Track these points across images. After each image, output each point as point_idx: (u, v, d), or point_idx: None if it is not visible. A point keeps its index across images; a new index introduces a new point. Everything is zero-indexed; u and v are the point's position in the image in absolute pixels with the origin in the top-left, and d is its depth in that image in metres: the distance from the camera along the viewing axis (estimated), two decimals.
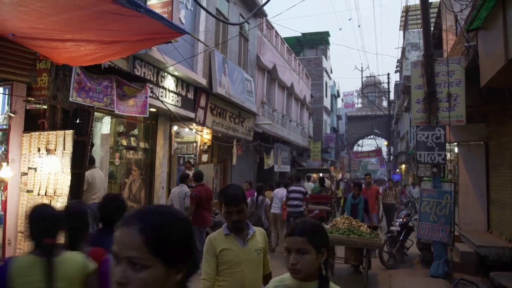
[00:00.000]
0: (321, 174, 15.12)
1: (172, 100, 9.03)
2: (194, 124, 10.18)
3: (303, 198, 9.09)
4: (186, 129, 10.43)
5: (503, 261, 6.60)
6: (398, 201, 12.63)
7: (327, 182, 13.28)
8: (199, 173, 7.81)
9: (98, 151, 7.20)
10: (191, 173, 10.21)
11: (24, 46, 4.53)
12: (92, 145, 6.67)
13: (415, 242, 8.48)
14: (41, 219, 2.15)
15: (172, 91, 9.02)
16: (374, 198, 9.87)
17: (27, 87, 5.32)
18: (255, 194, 9.11)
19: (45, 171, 4.99)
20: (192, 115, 9.88)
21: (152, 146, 9.43)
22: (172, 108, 8.69)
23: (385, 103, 41.40)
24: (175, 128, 10.05)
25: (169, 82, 8.89)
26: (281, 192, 9.56)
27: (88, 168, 6.15)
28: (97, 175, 6.25)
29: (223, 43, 11.93)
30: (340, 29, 25.42)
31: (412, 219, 8.54)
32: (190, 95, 9.91)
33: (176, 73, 8.96)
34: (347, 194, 8.85)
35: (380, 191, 11.79)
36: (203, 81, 10.04)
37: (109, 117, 7.66)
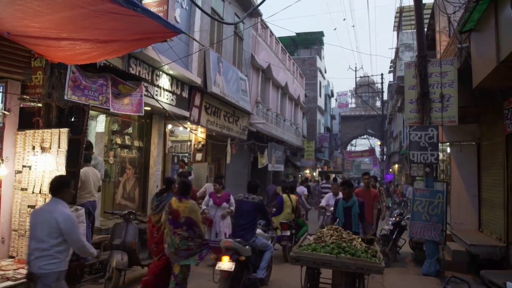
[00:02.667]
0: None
1: (167, 98, 9.02)
2: (188, 123, 10.19)
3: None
4: (181, 128, 10.43)
5: (494, 259, 6.70)
6: (385, 205, 9.86)
7: (339, 180, 16.82)
8: (185, 174, 7.48)
9: (93, 150, 7.18)
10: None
11: (19, 44, 4.51)
12: (90, 144, 6.67)
13: (408, 241, 8.56)
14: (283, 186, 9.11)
15: (167, 90, 9.02)
16: (371, 204, 7.68)
17: (22, 85, 5.30)
18: (230, 197, 7.33)
19: (39, 169, 4.97)
20: (186, 114, 9.88)
21: (146, 145, 9.43)
22: (166, 107, 8.69)
23: (378, 103, 41.64)
24: (169, 126, 10.05)
25: (164, 81, 8.89)
26: (301, 189, 12.30)
27: (83, 166, 6.17)
28: (91, 173, 6.24)
29: (218, 42, 11.93)
30: (335, 29, 25.54)
31: (405, 218, 8.61)
32: (185, 94, 9.91)
33: (171, 72, 8.96)
34: (338, 197, 6.67)
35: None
36: (198, 80, 10.05)
37: (104, 115, 7.65)
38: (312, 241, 4.84)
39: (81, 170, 6.10)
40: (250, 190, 5.87)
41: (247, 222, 5.51)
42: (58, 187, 3.58)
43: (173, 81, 9.31)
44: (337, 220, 6.02)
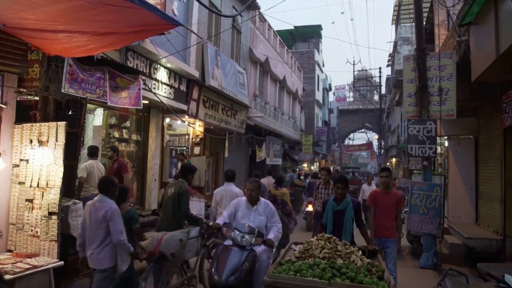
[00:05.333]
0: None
1: (165, 92, 8.98)
2: (186, 117, 10.15)
3: None
4: (179, 122, 10.40)
5: (490, 252, 6.76)
6: None
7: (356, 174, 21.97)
8: (115, 147, 7.54)
9: (91, 143, 7.18)
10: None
11: (15, 37, 4.46)
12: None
13: (405, 234, 8.61)
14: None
15: (164, 83, 8.97)
16: (394, 211, 5.49)
17: (19, 78, 5.24)
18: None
19: (37, 163, 4.95)
20: (184, 107, 9.84)
21: (144, 139, 9.40)
22: (164, 100, 8.65)
23: (376, 97, 41.64)
24: (167, 120, 10.01)
25: (162, 74, 8.84)
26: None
27: (89, 159, 6.39)
28: (96, 167, 6.46)
29: (216, 35, 11.86)
30: (333, 22, 25.38)
31: (402, 211, 8.64)
32: (183, 87, 9.87)
33: (168, 65, 8.91)
34: (328, 198, 5.26)
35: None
36: (196, 73, 10.00)
37: (101, 109, 7.62)
38: (297, 254, 3.66)
39: (87, 164, 6.30)
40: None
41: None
42: (233, 176, 6.22)
43: (171, 75, 9.26)
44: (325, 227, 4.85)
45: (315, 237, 3.97)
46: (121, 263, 4.08)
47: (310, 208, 10.36)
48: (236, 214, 4.55)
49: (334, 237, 3.90)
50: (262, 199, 4.68)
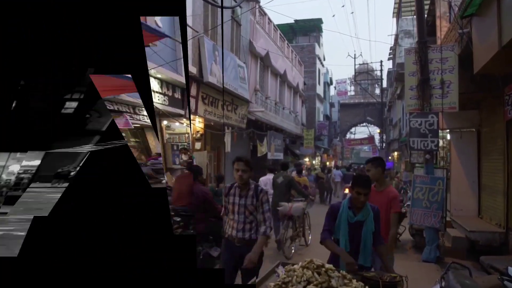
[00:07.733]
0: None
1: (159, 99, 8.69)
2: (184, 120, 9.99)
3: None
4: (177, 123, 10.28)
5: (493, 245, 6.73)
6: None
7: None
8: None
9: None
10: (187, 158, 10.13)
11: None
12: None
13: (408, 227, 8.59)
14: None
15: (157, 92, 8.62)
16: (386, 216, 4.06)
17: None
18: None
19: None
20: (181, 111, 9.58)
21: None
22: (159, 107, 8.47)
23: (377, 91, 41.48)
24: (164, 122, 9.84)
25: (153, 84, 8.52)
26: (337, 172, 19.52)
27: None
28: None
29: (213, 28, 11.63)
30: (334, 15, 25.25)
31: (405, 205, 8.62)
32: (177, 95, 9.42)
33: (159, 76, 8.50)
34: (340, 202, 3.68)
35: None
36: (193, 70, 9.82)
37: None
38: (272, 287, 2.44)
39: None
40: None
41: None
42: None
43: (163, 84, 8.90)
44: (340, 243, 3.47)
45: (299, 264, 2.59)
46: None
47: (347, 191, 13.71)
48: None
49: (328, 266, 2.54)
50: None
